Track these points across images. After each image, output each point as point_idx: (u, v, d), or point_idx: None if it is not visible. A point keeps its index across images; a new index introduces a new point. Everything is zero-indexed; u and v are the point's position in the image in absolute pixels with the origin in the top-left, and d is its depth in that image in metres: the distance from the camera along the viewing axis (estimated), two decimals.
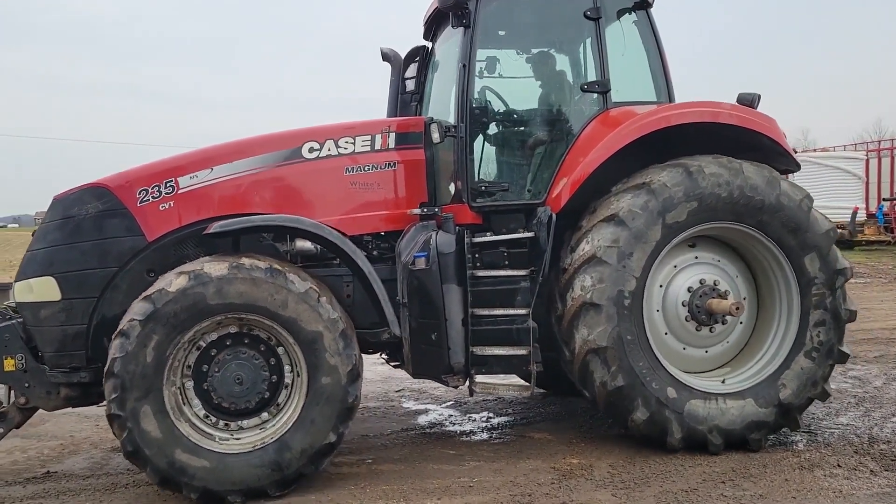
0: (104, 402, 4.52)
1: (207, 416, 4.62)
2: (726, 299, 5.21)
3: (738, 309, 5.13)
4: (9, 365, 4.84)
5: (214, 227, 4.85)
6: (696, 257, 5.38)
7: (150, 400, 4.38)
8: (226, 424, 4.65)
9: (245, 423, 4.66)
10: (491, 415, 6.57)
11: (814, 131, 76.69)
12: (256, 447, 4.55)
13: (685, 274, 5.33)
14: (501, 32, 5.77)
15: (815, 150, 32.16)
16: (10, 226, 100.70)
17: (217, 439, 4.58)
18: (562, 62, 5.95)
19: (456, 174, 5.37)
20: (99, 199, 4.95)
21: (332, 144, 5.35)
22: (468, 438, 5.93)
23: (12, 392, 4.97)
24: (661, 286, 5.29)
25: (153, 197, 5.01)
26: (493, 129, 5.78)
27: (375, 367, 7.73)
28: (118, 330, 4.43)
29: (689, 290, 5.27)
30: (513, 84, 5.83)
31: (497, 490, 4.61)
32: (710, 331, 5.33)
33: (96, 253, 4.89)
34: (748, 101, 5.49)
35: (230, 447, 4.56)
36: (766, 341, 5.39)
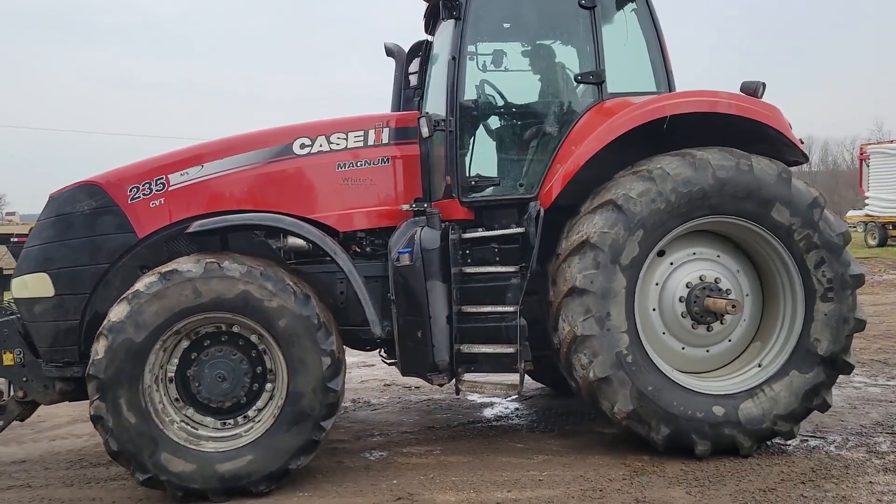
0: None
1: (192, 415, 4.65)
2: (725, 298, 5.01)
3: (733, 307, 4.92)
4: (7, 359, 4.96)
5: (194, 227, 4.89)
6: (694, 253, 5.17)
7: (130, 400, 4.42)
8: (214, 422, 4.68)
9: (230, 421, 4.68)
10: (558, 410, 6.51)
11: (890, 121, 73.43)
12: (239, 445, 4.56)
13: (685, 269, 5.14)
14: (494, 24, 5.63)
15: (891, 142, 30.83)
16: None
17: (202, 438, 4.60)
18: (557, 54, 5.79)
19: (446, 169, 5.28)
20: (91, 197, 5.02)
21: (324, 140, 5.33)
22: (535, 432, 5.88)
23: (12, 386, 5.10)
24: (656, 284, 5.11)
25: (144, 194, 5.06)
26: (484, 122, 5.65)
27: None
28: (98, 331, 4.48)
29: (687, 286, 5.09)
30: (506, 77, 5.69)
31: (567, 484, 4.57)
32: (708, 329, 5.12)
33: (88, 249, 4.97)
34: (751, 89, 5.24)
35: (214, 446, 4.57)
36: (767, 345, 5.17)
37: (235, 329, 4.64)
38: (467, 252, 5.18)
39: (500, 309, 4.98)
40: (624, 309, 4.81)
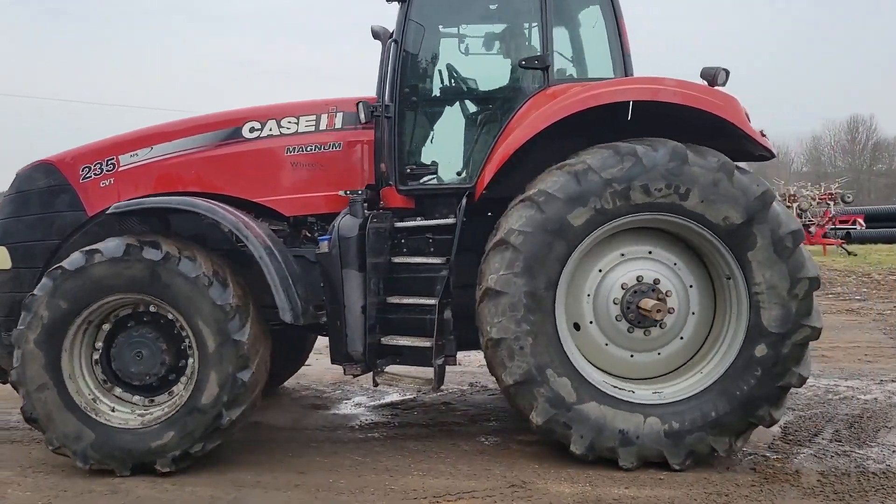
0: None
1: (109, 391, 4.81)
2: (661, 300, 4.63)
3: (658, 312, 4.55)
4: None
5: (111, 208, 4.93)
6: (651, 251, 4.79)
7: (49, 371, 4.61)
8: (135, 399, 4.83)
9: (146, 399, 4.81)
10: None
11: None
12: (148, 424, 4.65)
13: (621, 270, 4.77)
14: (441, 7, 5.40)
15: None
16: None
17: (114, 412, 4.74)
18: (506, 38, 5.53)
19: (384, 156, 5.14)
20: (47, 175, 5.24)
21: (274, 124, 5.31)
22: None
23: None
24: (588, 295, 4.78)
25: (95, 174, 5.24)
26: (426, 109, 5.43)
27: None
28: (23, 302, 4.67)
29: (622, 286, 4.71)
30: (451, 61, 5.47)
31: (690, 486, 4.35)
32: (645, 334, 4.73)
33: (41, 226, 5.19)
34: (709, 76, 4.79)
35: (124, 422, 4.70)
36: (711, 351, 4.76)
37: (152, 309, 4.76)
38: (402, 241, 5.06)
39: (423, 301, 4.83)
40: (542, 313, 4.53)
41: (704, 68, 4.82)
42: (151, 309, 4.78)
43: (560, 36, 5.37)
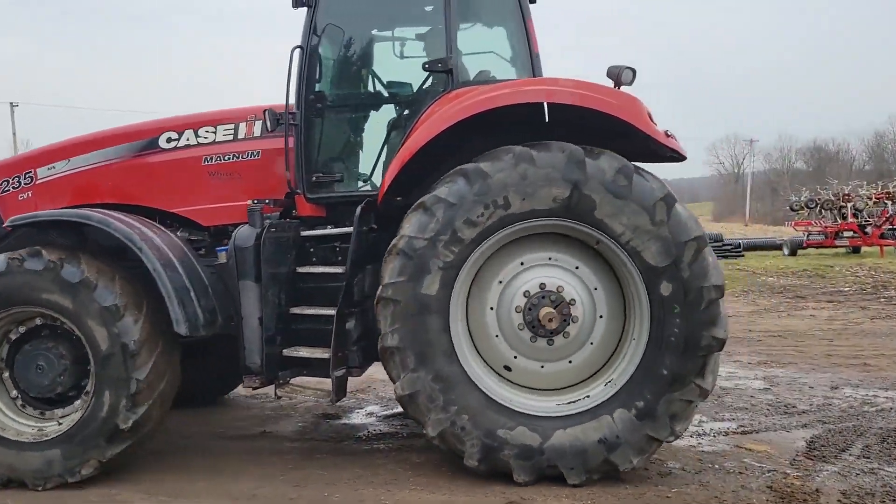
0: None
1: (22, 406, 4.85)
2: (560, 308, 4.42)
3: (550, 321, 4.35)
4: None
5: (7, 222, 4.87)
6: (551, 258, 4.57)
7: None
8: (41, 413, 4.84)
9: (52, 410, 4.84)
10: (704, 419, 5.94)
11: None
12: (52, 434, 4.68)
13: (525, 278, 4.55)
14: (347, 11, 5.20)
15: None
16: None
17: (22, 426, 4.79)
18: (413, 42, 5.33)
19: (292, 164, 5.00)
20: None
21: (192, 134, 5.29)
22: (673, 444, 5.37)
23: None
24: (491, 308, 4.58)
25: (13, 187, 5.36)
26: (332, 115, 5.22)
27: None
28: None
29: (525, 294, 4.49)
30: (359, 67, 5.30)
31: None
32: (549, 343, 4.48)
33: None
34: (614, 74, 4.57)
35: (33, 435, 4.73)
36: (616, 361, 4.54)
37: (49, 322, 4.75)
38: (311, 251, 4.94)
39: (323, 312, 4.69)
40: (438, 322, 4.36)
41: (610, 67, 4.61)
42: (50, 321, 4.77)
43: (470, 37, 5.21)
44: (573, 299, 4.47)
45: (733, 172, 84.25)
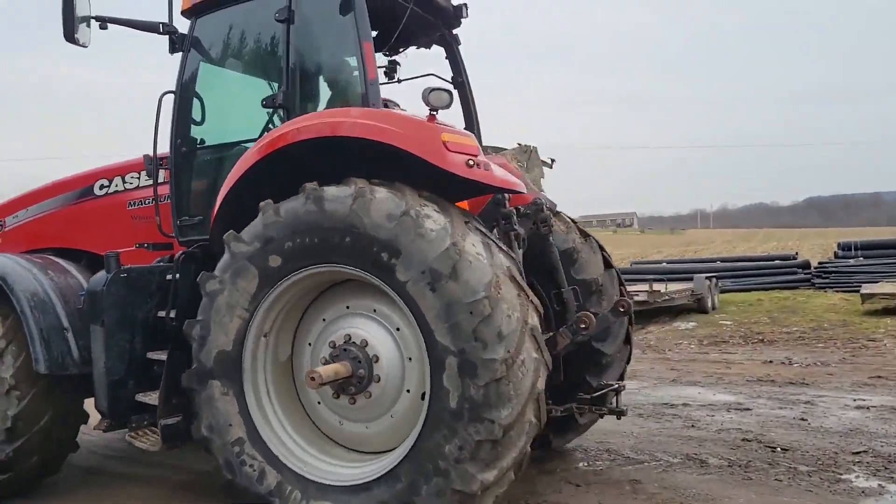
0: None
1: None
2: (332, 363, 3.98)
3: (312, 380, 3.78)
4: None
5: None
6: (376, 309, 4.09)
7: None
8: None
9: None
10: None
11: None
12: None
13: (340, 324, 4.18)
14: (215, 51, 5.15)
15: None
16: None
17: None
18: (259, 79, 5.13)
19: (165, 208, 5.06)
20: None
21: (120, 180, 5.57)
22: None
23: None
24: (309, 344, 4.31)
25: None
26: (197, 158, 5.12)
27: None
28: None
29: (331, 344, 4.11)
30: (221, 109, 5.19)
31: None
32: (351, 402, 4.04)
33: None
34: (425, 97, 4.04)
35: None
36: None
37: None
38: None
39: (156, 356, 4.56)
40: (228, 367, 4.13)
41: (424, 90, 4.07)
42: None
43: (318, 67, 5.02)
44: (376, 355, 4.01)
45: None
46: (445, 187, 3.97)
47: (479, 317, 3.47)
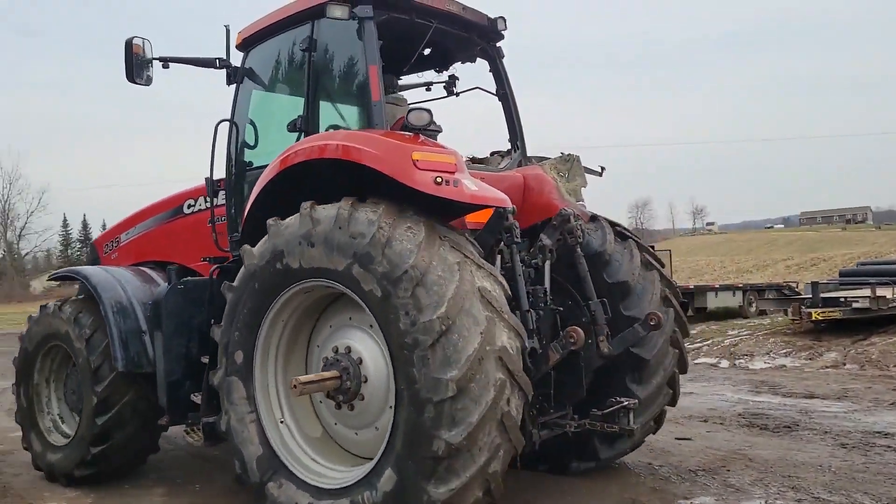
0: None
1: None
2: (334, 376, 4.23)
3: (293, 388, 4.01)
4: None
5: (49, 275, 6.39)
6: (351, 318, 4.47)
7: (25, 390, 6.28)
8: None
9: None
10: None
11: None
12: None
13: (339, 336, 4.50)
14: (264, 79, 5.55)
15: None
16: (776, 227, 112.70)
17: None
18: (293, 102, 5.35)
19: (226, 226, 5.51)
20: (92, 251, 7.30)
21: (203, 199, 6.07)
22: None
23: None
24: (318, 346, 4.68)
25: (109, 249, 6.95)
26: (246, 180, 5.51)
27: None
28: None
29: (324, 360, 4.42)
30: (270, 133, 5.52)
31: None
32: (350, 409, 4.32)
33: None
34: (411, 117, 4.48)
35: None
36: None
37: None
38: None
39: (203, 361, 5.04)
40: (243, 382, 4.56)
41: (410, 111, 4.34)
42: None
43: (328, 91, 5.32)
44: (360, 358, 4.32)
45: None
46: (438, 205, 4.12)
47: (431, 336, 3.62)
